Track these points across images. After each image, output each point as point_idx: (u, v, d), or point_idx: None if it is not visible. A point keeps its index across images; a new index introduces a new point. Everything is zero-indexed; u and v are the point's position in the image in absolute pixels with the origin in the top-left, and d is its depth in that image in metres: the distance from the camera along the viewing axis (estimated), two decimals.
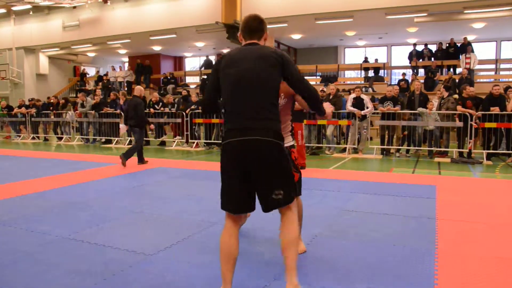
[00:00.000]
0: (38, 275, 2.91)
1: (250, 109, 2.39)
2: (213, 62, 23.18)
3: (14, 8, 19.10)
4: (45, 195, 5.47)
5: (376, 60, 19.01)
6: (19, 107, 15.71)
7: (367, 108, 9.79)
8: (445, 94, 9.70)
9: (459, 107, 9.08)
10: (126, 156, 7.88)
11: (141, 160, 8.26)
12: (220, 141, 10.56)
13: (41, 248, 3.46)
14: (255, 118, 2.38)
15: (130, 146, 12.38)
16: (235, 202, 2.43)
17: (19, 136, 15.62)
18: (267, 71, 2.43)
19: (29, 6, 18.57)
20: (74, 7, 18.50)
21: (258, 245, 3.53)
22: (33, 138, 15.16)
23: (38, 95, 19.42)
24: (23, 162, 9.12)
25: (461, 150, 9.16)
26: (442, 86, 10.51)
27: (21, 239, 3.70)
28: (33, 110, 15.11)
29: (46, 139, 15.01)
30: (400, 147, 10.01)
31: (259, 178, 2.40)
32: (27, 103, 16.08)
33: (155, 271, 2.97)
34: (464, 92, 9.24)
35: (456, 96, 10.30)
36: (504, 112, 8.82)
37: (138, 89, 8.51)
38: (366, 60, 19.24)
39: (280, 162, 2.42)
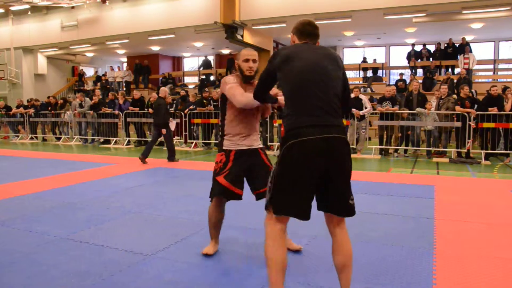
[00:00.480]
0: (36, 275, 2.91)
1: (327, 105, 2.24)
2: (212, 62, 23.22)
3: (12, 8, 19.06)
4: (43, 196, 5.46)
5: (375, 60, 19.05)
6: (17, 107, 15.69)
7: (366, 108, 9.79)
8: (444, 91, 9.69)
9: (457, 107, 9.09)
10: (144, 155, 8.47)
11: (144, 156, 8.51)
12: (218, 141, 10.55)
13: (39, 248, 3.45)
14: (332, 114, 2.24)
15: (129, 146, 12.38)
16: (302, 205, 2.22)
17: (17, 136, 15.59)
18: (336, 71, 2.37)
19: (27, 6, 18.52)
20: (73, 7, 18.47)
21: (254, 247, 3.53)
22: (32, 138, 15.13)
23: (36, 95, 19.39)
24: (21, 162, 9.10)
25: (459, 150, 9.18)
26: (440, 84, 10.52)
27: (19, 239, 3.69)
28: (32, 110, 15.09)
29: (44, 139, 14.99)
30: (398, 147, 10.02)
31: (337, 179, 2.24)
32: (25, 103, 16.05)
33: (153, 271, 2.97)
34: (461, 92, 9.26)
35: (455, 96, 10.33)
36: (502, 112, 8.85)
37: (163, 91, 8.87)
38: (364, 61, 19.26)
39: (351, 165, 2.32)
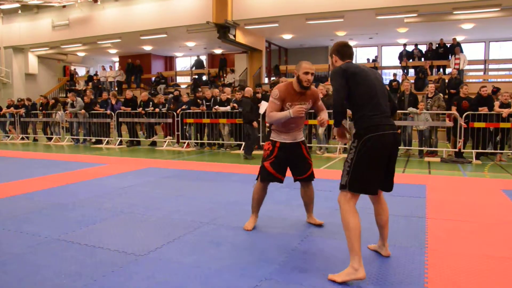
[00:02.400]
0: (27, 276, 2.88)
1: (388, 109, 2.98)
2: (204, 62, 23.18)
3: (2, 7, 18.89)
4: (34, 196, 5.41)
5: (369, 60, 19.08)
6: (8, 107, 15.54)
7: None
8: (432, 90, 9.77)
9: (453, 108, 9.15)
10: (246, 152, 9.33)
11: (247, 153, 9.34)
12: (211, 141, 10.46)
13: (30, 249, 3.42)
14: (390, 116, 2.99)
15: (121, 146, 12.31)
16: (378, 182, 3.01)
17: (8, 136, 15.45)
18: (383, 85, 3.10)
19: (17, 5, 18.38)
20: (64, 6, 18.35)
21: (249, 245, 3.53)
22: (22, 138, 15.00)
23: (27, 95, 19.24)
24: (11, 162, 9.02)
25: (451, 149, 9.24)
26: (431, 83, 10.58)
27: (10, 240, 3.66)
28: (22, 110, 14.95)
29: (35, 140, 14.87)
30: None
31: (393, 164, 3.04)
32: (16, 103, 15.90)
33: (145, 272, 2.96)
34: (461, 91, 9.31)
35: (441, 94, 10.40)
36: (492, 112, 8.93)
37: (248, 90, 10.03)
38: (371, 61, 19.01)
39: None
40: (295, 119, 3.68)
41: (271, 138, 3.83)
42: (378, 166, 2.90)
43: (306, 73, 3.56)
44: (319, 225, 4.02)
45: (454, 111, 9.14)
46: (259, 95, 10.37)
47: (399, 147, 9.76)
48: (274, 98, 3.66)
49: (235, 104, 10.88)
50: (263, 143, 10.73)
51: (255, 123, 9.39)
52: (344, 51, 3.12)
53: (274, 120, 3.65)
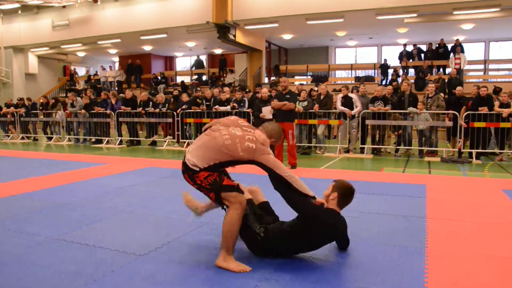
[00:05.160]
0: (27, 276, 2.88)
1: None
2: (204, 62, 23.20)
3: (2, 7, 18.89)
4: (34, 196, 5.41)
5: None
6: (8, 106, 15.54)
7: (356, 107, 9.81)
8: (431, 90, 9.79)
9: (463, 109, 9.16)
10: None
11: None
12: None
13: (30, 249, 3.42)
14: None
15: (121, 146, 12.30)
16: None
17: (8, 136, 15.44)
18: None
19: (17, 5, 18.37)
20: (64, 6, 18.35)
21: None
22: (22, 138, 15.00)
23: (27, 94, 19.21)
24: (11, 162, 9.02)
25: (451, 149, 9.24)
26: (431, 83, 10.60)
27: (9, 240, 3.65)
28: (22, 110, 14.95)
29: (35, 139, 14.87)
30: (387, 147, 10.07)
31: None
32: (15, 102, 15.90)
33: (145, 271, 2.95)
34: (472, 92, 9.32)
35: (442, 94, 10.41)
36: (492, 112, 8.93)
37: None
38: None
39: None
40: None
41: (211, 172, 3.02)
42: None
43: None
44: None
45: (463, 112, 9.13)
46: (259, 95, 10.36)
47: (399, 147, 9.62)
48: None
49: (235, 104, 10.89)
50: None
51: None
52: (347, 202, 3.15)
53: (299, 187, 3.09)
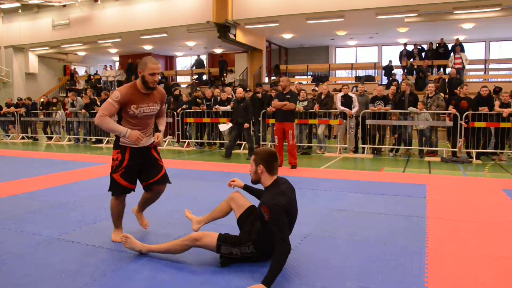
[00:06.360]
0: (28, 276, 2.88)
1: None
2: (204, 62, 23.18)
3: (2, 6, 18.90)
4: (35, 196, 5.41)
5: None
6: (8, 106, 15.54)
7: (354, 107, 9.80)
8: (431, 90, 9.78)
9: (450, 107, 9.15)
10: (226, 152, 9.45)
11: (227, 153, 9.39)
12: (211, 141, 10.42)
13: (31, 249, 3.42)
14: None
15: None
16: None
17: (8, 136, 15.44)
18: None
19: (17, 4, 18.37)
20: (64, 6, 18.34)
21: None
22: (23, 137, 15.00)
23: (27, 94, 19.23)
24: (12, 162, 9.02)
25: (451, 149, 9.24)
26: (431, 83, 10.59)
27: (10, 240, 3.66)
28: (23, 110, 14.95)
29: (35, 139, 14.87)
30: (387, 147, 10.06)
31: None
32: (16, 102, 15.90)
33: (146, 271, 2.96)
34: (461, 91, 9.30)
35: (442, 94, 10.40)
36: (492, 112, 8.93)
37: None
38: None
39: None
40: (141, 125, 3.41)
41: (120, 144, 3.43)
42: None
43: (153, 74, 3.38)
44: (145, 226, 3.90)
45: (451, 110, 9.12)
46: (260, 95, 10.36)
47: (398, 147, 9.61)
48: (113, 101, 3.29)
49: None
50: (264, 142, 10.73)
51: (246, 125, 9.15)
52: (273, 166, 3.03)
53: (106, 127, 3.31)
